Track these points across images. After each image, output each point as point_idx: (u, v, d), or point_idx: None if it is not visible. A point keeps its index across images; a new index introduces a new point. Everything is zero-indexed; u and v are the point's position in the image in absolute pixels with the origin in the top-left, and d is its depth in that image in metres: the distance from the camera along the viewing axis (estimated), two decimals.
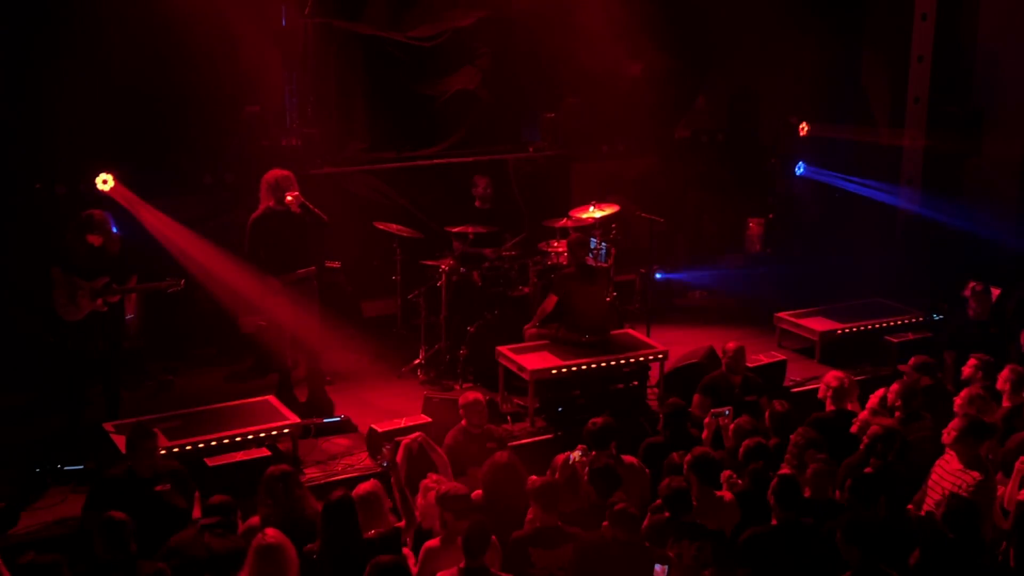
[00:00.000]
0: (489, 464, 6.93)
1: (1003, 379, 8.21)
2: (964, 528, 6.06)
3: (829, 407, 8.29)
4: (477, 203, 11.15)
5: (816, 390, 8.67)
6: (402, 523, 6.82)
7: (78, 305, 8.49)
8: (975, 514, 6.15)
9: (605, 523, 6.22)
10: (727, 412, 7.98)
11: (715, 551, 6.22)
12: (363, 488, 6.72)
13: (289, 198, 8.86)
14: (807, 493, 6.82)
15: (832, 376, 8.40)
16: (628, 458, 7.50)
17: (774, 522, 6.43)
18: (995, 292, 10.60)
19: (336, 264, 9.81)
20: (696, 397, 8.74)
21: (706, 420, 8.08)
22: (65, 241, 8.59)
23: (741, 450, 7.31)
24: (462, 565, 5.94)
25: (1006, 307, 10.66)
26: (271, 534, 5.88)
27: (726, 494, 6.94)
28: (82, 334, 8.55)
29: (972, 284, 10.19)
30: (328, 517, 6.22)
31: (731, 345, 9.01)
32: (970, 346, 9.14)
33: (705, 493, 6.84)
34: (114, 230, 8.66)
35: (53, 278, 8.46)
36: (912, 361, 8.74)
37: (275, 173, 9.02)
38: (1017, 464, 6.93)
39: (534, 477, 6.84)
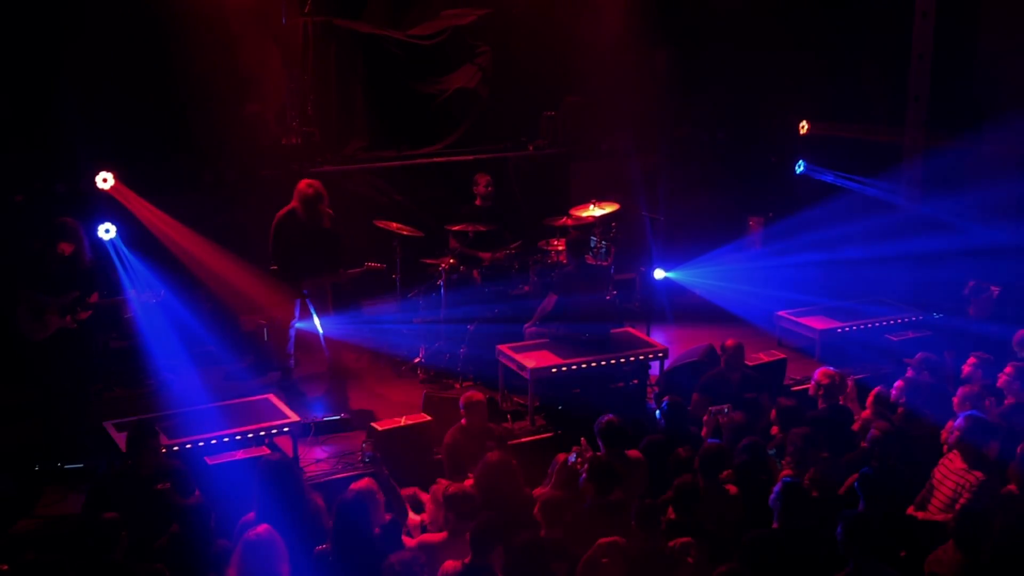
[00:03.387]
0: (482, 463, 6.93)
1: (1005, 376, 8.22)
2: (973, 540, 6.02)
3: (821, 404, 8.28)
4: (478, 201, 11.15)
5: None
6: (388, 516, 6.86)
7: (45, 323, 8.17)
8: (985, 525, 6.09)
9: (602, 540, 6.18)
10: (726, 410, 7.98)
11: (710, 549, 6.25)
12: (360, 486, 6.77)
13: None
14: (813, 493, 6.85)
15: (822, 373, 8.40)
16: (631, 452, 7.52)
17: (776, 525, 6.44)
18: (994, 291, 10.60)
19: (381, 266, 9.88)
20: (695, 396, 8.74)
21: (705, 417, 8.09)
22: (33, 252, 8.29)
23: (737, 448, 7.31)
24: (467, 560, 5.97)
25: (1005, 306, 10.65)
26: (261, 530, 5.88)
27: (731, 488, 6.95)
28: (48, 356, 8.28)
29: (972, 283, 10.20)
30: (345, 513, 6.25)
31: (729, 342, 9.02)
32: (969, 345, 9.14)
33: (712, 486, 6.85)
34: (85, 241, 8.39)
35: (16, 295, 8.13)
36: (918, 357, 8.75)
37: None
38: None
39: (540, 490, 6.85)
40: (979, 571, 5.97)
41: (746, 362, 9.31)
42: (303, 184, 9.24)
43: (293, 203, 9.26)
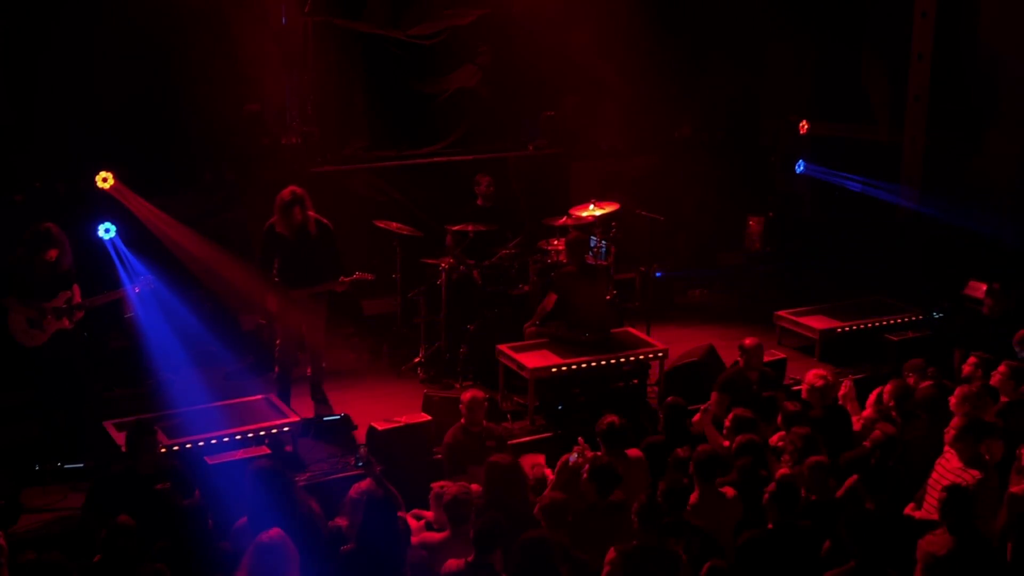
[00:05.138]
0: (490, 465, 6.91)
1: (999, 375, 8.23)
2: (960, 518, 6.05)
3: (816, 406, 8.26)
4: (479, 201, 11.15)
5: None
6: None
7: (42, 328, 8.18)
8: (970, 504, 6.14)
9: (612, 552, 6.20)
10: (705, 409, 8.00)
11: (703, 549, 6.25)
12: (363, 486, 6.80)
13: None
14: (803, 493, 6.84)
15: (813, 375, 8.37)
16: (632, 452, 7.52)
17: (770, 525, 6.44)
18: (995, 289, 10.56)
19: (369, 276, 9.41)
20: (714, 395, 8.67)
21: (695, 418, 8.05)
22: (16, 260, 8.22)
23: (734, 445, 7.30)
24: (470, 559, 5.97)
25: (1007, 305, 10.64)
26: (273, 533, 5.89)
27: (728, 491, 6.94)
28: (47, 360, 8.26)
29: (991, 284, 10.16)
30: (376, 511, 6.30)
31: (749, 341, 8.93)
32: (980, 344, 9.11)
33: (708, 490, 6.85)
34: (67, 245, 8.30)
35: (7, 306, 8.11)
36: (908, 363, 8.76)
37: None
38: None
39: (547, 494, 6.86)
40: (970, 549, 6.01)
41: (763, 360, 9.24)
42: (283, 191, 8.92)
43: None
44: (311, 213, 8.94)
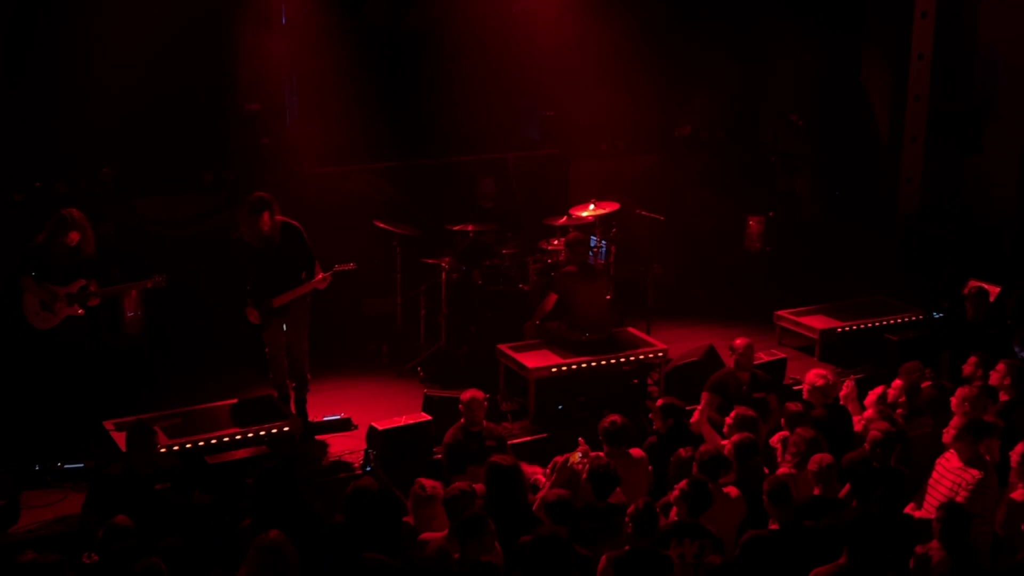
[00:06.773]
0: (490, 465, 6.90)
1: (999, 374, 8.23)
2: (956, 536, 6.02)
3: (817, 405, 8.26)
4: (479, 202, 11.15)
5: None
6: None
7: (53, 311, 8.23)
8: (967, 521, 6.11)
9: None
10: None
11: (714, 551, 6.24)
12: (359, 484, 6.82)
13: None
14: (816, 491, 6.84)
15: (814, 374, 8.36)
16: (634, 452, 7.53)
17: (774, 525, 6.43)
18: (994, 291, 10.59)
19: (350, 266, 9.27)
20: (704, 395, 8.69)
21: (694, 418, 8.04)
22: (38, 243, 8.27)
23: (730, 445, 7.29)
24: (456, 557, 5.98)
25: (1006, 305, 10.65)
26: (273, 535, 5.88)
27: (732, 490, 6.93)
28: (55, 344, 8.31)
29: (969, 285, 10.19)
30: (383, 511, 6.33)
31: (739, 341, 8.90)
32: (967, 345, 9.12)
33: (711, 490, 6.84)
34: (90, 231, 8.34)
35: (23, 286, 8.18)
36: (904, 366, 8.76)
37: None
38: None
39: (545, 491, 6.85)
40: (966, 568, 5.98)
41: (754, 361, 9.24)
42: (250, 197, 8.68)
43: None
44: (278, 217, 8.71)
